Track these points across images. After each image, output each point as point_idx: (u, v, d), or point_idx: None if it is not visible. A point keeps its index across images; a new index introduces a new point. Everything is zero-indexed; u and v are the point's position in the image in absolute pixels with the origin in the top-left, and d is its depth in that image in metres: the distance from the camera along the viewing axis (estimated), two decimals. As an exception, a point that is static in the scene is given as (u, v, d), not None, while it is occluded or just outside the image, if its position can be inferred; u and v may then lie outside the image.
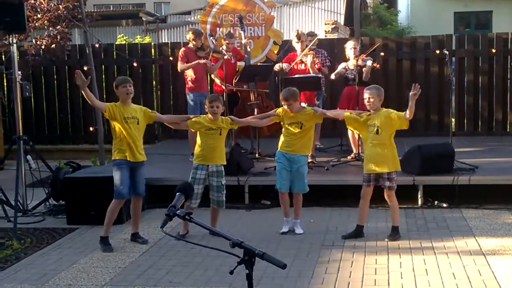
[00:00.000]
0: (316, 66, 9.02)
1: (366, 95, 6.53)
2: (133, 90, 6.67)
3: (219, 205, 6.83)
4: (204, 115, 6.89)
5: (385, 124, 6.41)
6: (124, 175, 6.55)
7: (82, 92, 6.45)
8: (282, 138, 6.95)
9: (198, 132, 6.83)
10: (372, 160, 6.51)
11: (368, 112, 6.56)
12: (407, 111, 6.34)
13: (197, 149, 6.83)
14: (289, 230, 6.95)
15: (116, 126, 6.55)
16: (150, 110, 6.87)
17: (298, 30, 9.58)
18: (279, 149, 6.95)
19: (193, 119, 6.88)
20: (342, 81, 9.30)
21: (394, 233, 6.58)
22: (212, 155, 6.74)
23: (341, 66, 9.23)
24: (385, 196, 6.58)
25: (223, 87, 9.33)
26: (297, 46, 9.16)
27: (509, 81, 11.95)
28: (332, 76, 9.30)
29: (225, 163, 6.90)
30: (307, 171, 7.00)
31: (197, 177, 6.71)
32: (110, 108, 6.53)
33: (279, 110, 6.98)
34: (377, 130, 6.41)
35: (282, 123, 6.95)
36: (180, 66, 9.48)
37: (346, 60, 9.22)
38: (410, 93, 6.38)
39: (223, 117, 6.89)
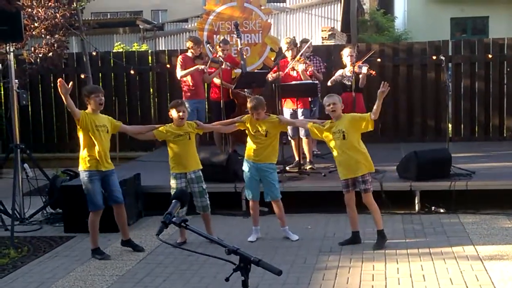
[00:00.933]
0: (307, 73, 9.01)
1: (327, 102, 6.54)
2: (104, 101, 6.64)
3: (205, 209, 6.83)
4: (169, 124, 6.85)
5: (350, 128, 6.43)
6: (96, 186, 6.51)
7: (64, 100, 6.41)
8: (247, 146, 6.96)
9: (167, 142, 6.81)
10: (344, 166, 6.53)
11: (330, 120, 6.57)
12: (373, 111, 6.33)
13: (170, 159, 6.79)
14: (256, 239, 6.96)
15: (86, 135, 6.48)
16: (115, 120, 6.84)
17: (287, 38, 9.61)
18: (245, 157, 6.96)
19: (159, 129, 6.82)
20: (339, 88, 9.30)
21: (381, 237, 6.56)
22: (187, 162, 6.74)
23: (338, 73, 9.25)
24: (363, 201, 6.56)
25: (227, 86, 9.35)
26: (287, 53, 9.18)
27: (505, 86, 11.96)
28: (329, 83, 9.32)
29: (201, 167, 6.89)
30: (277, 178, 7.01)
31: (178, 187, 6.70)
32: (83, 117, 6.46)
33: (245, 117, 6.99)
34: (344, 135, 6.42)
35: (247, 131, 6.95)
36: (179, 72, 9.49)
37: (343, 66, 9.24)
38: (379, 91, 6.37)
39: (188, 121, 6.88)
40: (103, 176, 6.56)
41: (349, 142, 6.44)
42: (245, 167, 6.98)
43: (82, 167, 6.55)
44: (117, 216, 6.75)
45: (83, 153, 6.54)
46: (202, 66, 9.31)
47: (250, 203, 7.07)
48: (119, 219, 6.77)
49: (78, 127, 6.54)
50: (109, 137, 6.64)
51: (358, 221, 6.77)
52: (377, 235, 6.59)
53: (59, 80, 6.50)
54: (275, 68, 8.99)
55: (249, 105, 6.87)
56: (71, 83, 6.61)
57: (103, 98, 6.59)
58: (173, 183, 6.76)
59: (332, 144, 6.61)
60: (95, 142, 6.47)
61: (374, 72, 9.02)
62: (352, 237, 6.70)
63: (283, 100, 9.10)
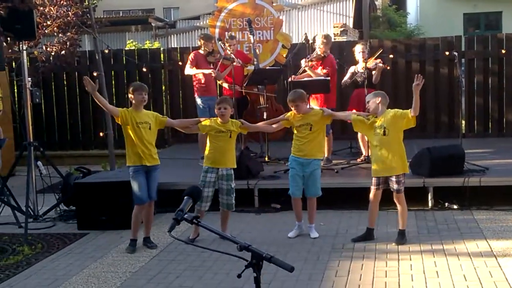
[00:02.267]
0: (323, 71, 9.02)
1: (367, 101, 6.61)
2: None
3: (229, 207, 6.84)
4: (214, 118, 6.91)
5: (391, 124, 6.38)
6: (141, 181, 6.63)
7: (94, 97, 6.56)
8: (294, 142, 6.95)
9: (208, 135, 6.85)
10: (380, 163, 6.49)
11: (375, 115, 6.54)
12: (412, 108, 6.29)
13: (207, 152, 6.85)
14: (297, 236, 6.95)
15: (129, 131, 6.61)
16: (161, 116, 6.93)
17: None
18: (291, 154, 6.96)
19: (203, 122, 6.90)
20: (351, 84, 9.28)
21: (401, 237, 6.55)
22: (222, 159, 6.76)
23: (350, 70, 9.22)
24: (394, 199, 6.56)
25: (234, 88, 9.36)
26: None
27: (519, 81, 11.88)
28: (342, 85, 9.30)
29: (235, 167, 6.91)
30: (320, 174, 6.99)
31: (207, 180, 6.72)
32: (123, 114, 6.60)
33: (289, 114, 6.98)
34: (384, 131, 6.38)
35: (292, 127, 6.95)
36: (187, 70, 9.49)
37: (356, 63, 9.21)
38: (413, 84, 6.31)
39: (233, 120, 6.91)
40: (147, 171, 6.66)
41: (389, 139, 6.38)
42: (290, 162, 6.97)
43: (127, 162, 6.75)
44: (146, 211, 6.82)
45: (127, 149, 6.69)
46: (210, 71, 9.28)
47: (293, 200, 7.02)
48: (148, 215, 6.84)
49: (120, 124, 6.73)
50: (153, 133, 6.73)
51: (376, 219, 6.74)
52: (398, 234, 6.58)
53: (84, 77, 6.59)
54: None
55: (288, 98, 6.88)
56: (97, 80, 6.65)
57: (146, 96, 6.70)
58: (202, 175, 6.78)
59: (372, 139, 6.61)
60: (137, 139, 6.57)
61: (387, 66, 8.97)
62: (366, 233, 6.68)
63: (309, 98, 9.10)
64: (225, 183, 6.75)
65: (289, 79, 9.04)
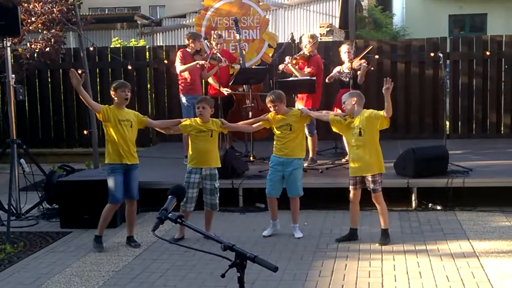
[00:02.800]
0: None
1: (342, 101, 6.65)
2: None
3: (213, 207, 6.83)
4: (195, 118, 6.90)
5: (366, 124, 6.42)
6: (118, 179, 6.58)
7: (77, 91, 6.52)
8: (275, 143, 6.97)
9: (189, 136, 6.84)
10: (356, 163, 6.52)
11: (351, 115, 6.57)
12: (385, 109, 6.32)
13: (190, 152, 6.83)
14: (271, 235, 6.97)
15: (110, 128, 6.57)
16: (142, 115, 6.89)
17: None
18: (273, 153, 6.97)
19: (184, 123, 6.88)
20: (337, 84, 9.31)
21: (384, 237, 6.57)
22: (205, 158, 6.74)
23: (336, 70, 9.25)
24: (372, 199, 6.58)
25: (224, 92, 9.35)
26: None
27: (503, 83, 11.97)
28: (327, 80, 9.31)
29: (219, 166, 6.90)
30: (301, 174, 7.00)
31: (191, 181, 6.71)
32: (105, 110, 6.56)
33: (269, 115, 6.99)
34: (360, 131, 6.42)
35: (272, 127, 6.96)
36: (179, 67, 9.44)
37: (342, 63, 9.23)
38: (383, 88, 6.34)
39: (213, 119, 6.90)
40: (126, 170, 6.62)
41: (365, 139, 6.42)
42: (271, 162, 6.98)
43: (106, 159, 6.68)
44: (128, 211, 6.80)
45: (107, 147, 6.64)
46: (202, 62, 9.27)
47: (268, 199, 7.04)
48: (130, 214, 6.81)
49: (101, 120, 6.65)
50: (134, 131, 6.70)
51: (358, 219, 6.77)
52: (381, 234, 6.60)
53: (71, 70, 6.55)
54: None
55: (267, 99, 6.88)
56: (83, 74, 6.57)
57: (129, 93, 6.65)
58: (186, 176, 6.76)
59: (349, 139, 6.63)
60: (118, 136, 6.54)
61: (372, 68, 9.01)
62: (350, 233, 6.70)
63: (296, 98, 9.11)
64: (209, 183, 6.74)
65: (281, 67, 9.04)
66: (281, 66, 9.19)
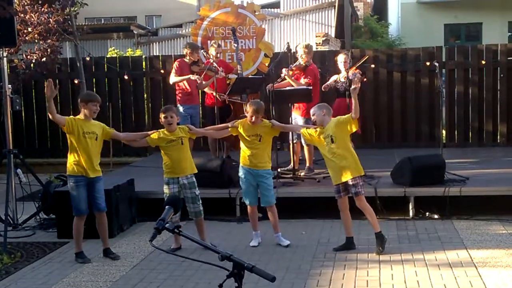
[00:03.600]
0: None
1: (311, 115, 6.71)
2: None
3: (197, 215, 6.80)
4: (162, 130, 6.83)
5: (336, 130, 6.47)
6: (81, 192, 6.54)
7: (47, 101, 6.44)
8: (242, 153, 6.96)
9: (160, 148, 6.80)
10: (335, 171, 6.57)
11: (321, 126, 6.61)
12: (352, 111, 6.39)
13: (164, 164, 6.80)
14: (258, 244, 6.98)
15: (73, 140, 6.53)
16: (107, 127, 6.83)
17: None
18: (241, 164, 6.97)
19: (152, 136, 6.80)
20: (333, 93, 9.32)
21: (380, 240, 6.55)
22: (180, 167, 6.73)
23: (332, 79, 9.28)
24: (356, 204, 6.56)
25: (218, 97, 9.36)
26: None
27: (499, 92, 12.00)
28: (323, 88, 9.33)
29: (195, 172, 6.86)
30: (272, 183, 7.01)
31: (171, 192, 6.70)
32: (69, 122, 6.52)
33: (238, 122, 6.99)
34: (331, 139, 6.47)
35: (240, 136, 6.94)
36: (172, 78, 9.46)
37: (338, 72, 9.26)
38: (351, 88, 6.42)
39: (180, 126, 6.89)
40: (89, 182, 6.56)
41: (338, 145, 6.47)
42: (241, 173, 6.98)
43: (68, 171, 6.61)
44: (98, 223, 6.74)
45: (70, 158, 6.59)
46: (196, 77, 9.27)
47: (248, 208, 7.05)
48: (100, 226, 6.75)
49: (64, 132, 6.62)
50: (98, 144, 6.64)
51: (352, 227, 6.77)
52: (375, 238, 6.58)
53: (49, 79, 6.46)
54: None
55: (250, 108, 6.85)
56: (57, 87, 6.52)
57: (98, 107, 6.61)
58: (165, 188, 6.76)
59: (322, 149, 6.66)
60: (81, 149, 6.50)
61: (365, 78, 9.03)
62: (346, 242, 6.70)
63: (292, 107, 9.11)
64: (189, 191, 6.73)
65: (268, 87, 9.05)
66: (283, 73, 9.16)
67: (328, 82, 9.30)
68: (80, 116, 6.60)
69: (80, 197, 6.53)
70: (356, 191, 6.48)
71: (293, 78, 9.16)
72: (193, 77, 9.27)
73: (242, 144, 6.94)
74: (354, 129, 6.50)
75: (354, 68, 9.09)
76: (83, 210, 6.58)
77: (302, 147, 9.22)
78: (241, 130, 6.89)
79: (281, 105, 9.85)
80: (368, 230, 7.22)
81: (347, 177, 6.48)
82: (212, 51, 9.68)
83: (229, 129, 7.06)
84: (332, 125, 6.53)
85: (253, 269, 2.75)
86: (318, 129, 6.66)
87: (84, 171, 6.51)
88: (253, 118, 6.78)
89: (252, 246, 6.95)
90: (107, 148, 7.01)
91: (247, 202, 7.05)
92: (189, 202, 6.75)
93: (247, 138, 6.85)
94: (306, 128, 6.94)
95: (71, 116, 6.65)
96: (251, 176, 6.88)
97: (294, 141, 9.09)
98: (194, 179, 6.80)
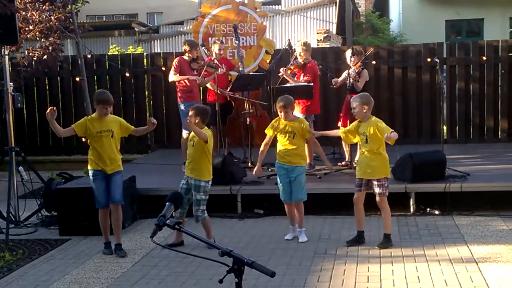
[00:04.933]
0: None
1: (352, 104, 6.68)
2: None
3: (197, 219, 6.73)
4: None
5: (373, 134, 6.48)
6: (98, 185, 6.64)
7: (50, 124, 6.47)
8: (277, 149, 6.99)
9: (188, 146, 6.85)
10: (362, 166, 6.62)
11: (359, 120, 6.63)
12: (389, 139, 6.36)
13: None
14: (293, 238, 7.01)
15: (90, 139, 6.65)
16: (126, 123, 6.86)
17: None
18: (276, 161, 7.00)
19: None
20: (344, 89, 9.33)
21: (386, 241, 6.60)
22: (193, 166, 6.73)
23: (344, 75, 9.30)
24: (378, 203, 6.63)
25: (221, 92, 9.38)
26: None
27: (500, 88, 12.00)
28: (334, 85, 9.34)
29: (206, 179, 6.79)
30: (305, 179, 7.01)
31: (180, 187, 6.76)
32: (80, 127, 6.62)
33: (274, 120, 7.05)
34: (366, 139, 6.51)
35: (277, 133, 6.98)
36: (171, 76, 9.47)
37: (347, 68, 9.26)
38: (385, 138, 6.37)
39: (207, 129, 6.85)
40: (107, 176, 6.65)
41: (371, 146, 6.49)
42: (276, 169, 7.04)
43: (88, 165, 6.73)
44: (112, 216, 6.76)
45: (89, 153, 6.71)
46: (194, 77, 9.29)
47: (285, 205, 7.07)
48: (114, 220, 6.77)
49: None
50: (115, 140, 6.68)
51: (363, 222, 6.78)
52: (383, 237, 6.64)
53: (50, 108, 6.44)
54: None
55: (278, 104, 6.90)
56: (55, 111, 6.50)
57: (109, 109, 6.62)
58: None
59: (358, 142, 6.75)
60: (97, 147, 6.59)
61: (357, 78, 9.02)
62: (357, 236, 6.73)
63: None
64: (193, 193, 6.72)
65: (280, 74, 9.05)
66: (280, 72, 9.18)
67: (339, 79, 9.33)
68: (95, 114, 6.67)
69: (98, 190, 6.65)
70: (380, 191, 6.52)
71: (291, 76, 9.15)
72: (192, 77, 9.29)
73: (278, 141, 6.98)
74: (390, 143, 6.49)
75: (358, 64, 9.08)
76: (101, 203, 6.68)
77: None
78: (275, 127, 6.95)
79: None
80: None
81: (373, 176, 6.52)
82: (215, 48, 9.70)
83: (266, 131, 7.14)
84: (370, 126, 6.49)
85: (253, 265, 2.77)
86: (354, 124, 6.70)
87: (101, 166, 6.60)
88: (282, 113, 6.85)
89: (286, 239, 7.00)
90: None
91: (283, 200, 7.05)
92: (194, 204, 6.76)
93: (281, 134, 6.91)
94: (344, 129, 6.97)
95: (84, 118, 6.71)
96: (286, 171, 6.91)
97: None
98: (201, 184, 6.71)
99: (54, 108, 6.48)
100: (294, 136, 6.86)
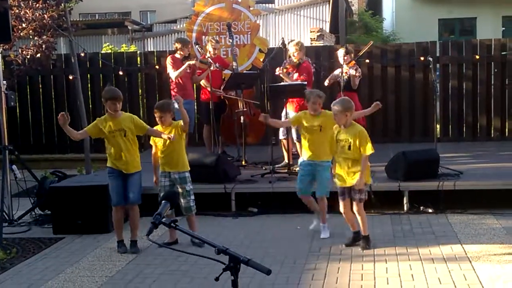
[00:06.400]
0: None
1: (332, 109, 6.47)
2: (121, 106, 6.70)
3: (187, 211, 6.76)
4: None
5: (355, 141, 6.34)
6: (112, 183, 6.68)
7: (64, 129, 6.46)
8: (302, 144, 6.99)
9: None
10: (342, 173, 6.48)
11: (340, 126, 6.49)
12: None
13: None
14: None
15: (104, 139, 6.67)
16: (140, 121, 6.81)
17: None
18: (301, 157, 6.98)
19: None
20: (336, 87, 9.34)
21: (366, 241, 6.56)
22: (172, 162, 6.75)
23: (335, 72, 9.31)
24: (354, 209, 6.50)
25: (214, 93, 9.38)
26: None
27: (492, 87, 12.04)
28: (326, 83, 9.37)
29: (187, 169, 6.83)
30: (329, 175, 6.93)
31: (162, 185, 6.78)
32: (93, 130, 6.64)
33: (299, 113, 7.09)
34: (349, 146, 6.35)
35: (301, 127, 6.98)
36: (174, 73, 9.38)
37: (339, 66, 9.28)
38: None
39: (175, 121, 6.85)
40: (124, 175, 6.66)
41: (353, 153, 6.37)
42: (299, 163, 7.03)
43: (107, 162, 6.75)
44: (130, 216, 6.81)
45: (106, 150, 6.72)
46: (193, 62, 9.30)
47: (302, 198, 7.08)
48: (130, 219, 6.82)
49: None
50: (129, 139, 6.63)
51: (356, 222, 6.75)
52: (362, 239, 6.60)
53: (61, 114, 6.41)
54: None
55: (311, 98, 6.91)
56: (68, 116, 6.46)
57: (118, 105, 6.60)
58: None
59: (333, 147, 6.56)
60: (112, 146, 6.61)
61: (358, 74, 9.05)
62: (353, 237, 6.69)
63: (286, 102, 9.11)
64: (179, 186, 6.75)
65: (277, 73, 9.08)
66: (277, 72, 9.17)
67: (329, 77, 9.34)
68: (107, 113, 6.67)
69: (112, 188, 6.69)
70: (360, 197, 6.44)
71: (287, 76, 9.17)
72: (191, 62, 9.27)
73: (302, 136, 6.96)
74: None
75: (352, 62, 9.10)
76: (114, 201, 6.70)
77: (294, 143, 9.25)
78: (303, 120, 6.94)
79: (277, 100, 9.85)
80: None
81: (352, 182, 6.40)
82: (209, 47, 9.69)
83: (289, 120, 7.23)
84: (352, 135, 6.35)
85: (249, 263, 2.78)
86: (336, 128, 6.52)
87: (117, 165, 6.62)
88: (317, 105, 6.88)
89: (323, 238, 6.97)
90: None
91: (298, 193, 7.08)
92: (183, 197, 6.75)
93: (308, 128, 6.91)
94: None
95: (97, 119, 6.69)
96: (309, 166, 6.93)
97: (282, 137, 9.13)
98: (186, 175, 6.79)
99: (65, 113, 6.42)
100: (321, 129, 6.86)
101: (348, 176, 6.45)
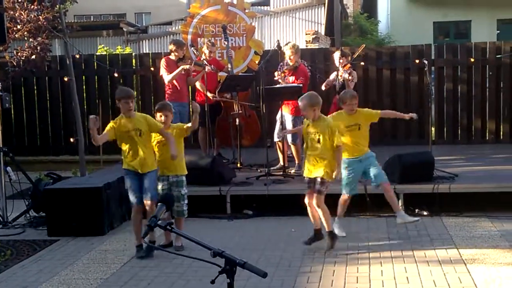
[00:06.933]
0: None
1: (299, 103, 6.61)
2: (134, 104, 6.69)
3: (179, 214, 6.75)
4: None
5: (325, 135, 6.40)
6: (129, 183, 6.64)
7: (91, 132, 6.35)
8: (344, 146, 6.77)
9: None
10: (309, 164, 6.54)
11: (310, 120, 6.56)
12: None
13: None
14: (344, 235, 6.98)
15: (119, 140, 6.60)
16: (153, 121, 6.73)
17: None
18: (346, 157, 6.86)
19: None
20: (333, 90, 9.35)
21: (331, 238, 6.55)
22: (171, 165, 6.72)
23: (333, 75, 9.32)
24: (314, 203, 6.51)
25: (209, 95, 9.38)
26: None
27: (487, 90, 12.07)
28: (323, 87, 9.36)
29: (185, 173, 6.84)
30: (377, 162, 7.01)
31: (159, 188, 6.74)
32: (112, 133, 6.53)
33: (334, 114, 7.06)
34: (319, 139, 6.42)
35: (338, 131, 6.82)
36: (167, 77, 9.38)
37: (335, 69, 9.28)
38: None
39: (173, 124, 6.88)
40: (140, 175, 6.60)
41: (321, 146, 6.42)
42: (345, 165, 6.86)
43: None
44: (146, 216, 6.68)
45: (122, 150, 6.68)
46: (187, 66, 9.28)
47: (345, 197, 7.01)
48: (146, 217, 6.69)
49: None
50: (144, 139, 6.58)
51: (318, 219, 6.68)
52: (327, 236, 6.57)
53: (92, 116, 6.36)
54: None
55: (348, 98, 6.90)
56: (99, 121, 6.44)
57: (132, 104, 6.57)
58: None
59: (306, 140, 6.63)
60: (128, 147, 6.56)
61: (351, 78, 9.05)
62: (315, 234, 6.67)
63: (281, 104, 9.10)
64: (176, 189, 6.73)
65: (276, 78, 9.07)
66: (276, 76, 9.16)
67: (325, 82, 9.36)
68: (121, 113, 6.61)
69: (129, 188, 6.64)
70: (319, 189, 6.45)
71: (284, 80, 9.16)
72: (185, 66, 9.25)
73: (343, 137, 6.83)
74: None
75: (347, 65, 9.11)
76: (133, 201, 6.63)
77: (289, 146, 9.25)
78: (340, 123, 6.84)
79: (272, 103, 9.84)
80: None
81: (316, 174, 6.46)
82: (205, 49, 9.68)
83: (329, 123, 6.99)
84: (322, 127, 6.43)
85: (245, 265, 2.78)
86: (306, 122, 6.63)
87: (132, 166, 6.58)
88: (354, 105, 6.88)
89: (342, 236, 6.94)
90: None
91: (346, 193, 6.98)
92: (177, 200, 6.72)
93: (347, 129, 6.87)
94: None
95: (112, 122, 6.61)
96: (358, 163, 6.91)
97: (278, 140, 9.13)
98: (183, 179, 6.78)
99: (96, 116, 6.38)
100: (359, 128, 6.89)
101: (314, 167, 6.48)
